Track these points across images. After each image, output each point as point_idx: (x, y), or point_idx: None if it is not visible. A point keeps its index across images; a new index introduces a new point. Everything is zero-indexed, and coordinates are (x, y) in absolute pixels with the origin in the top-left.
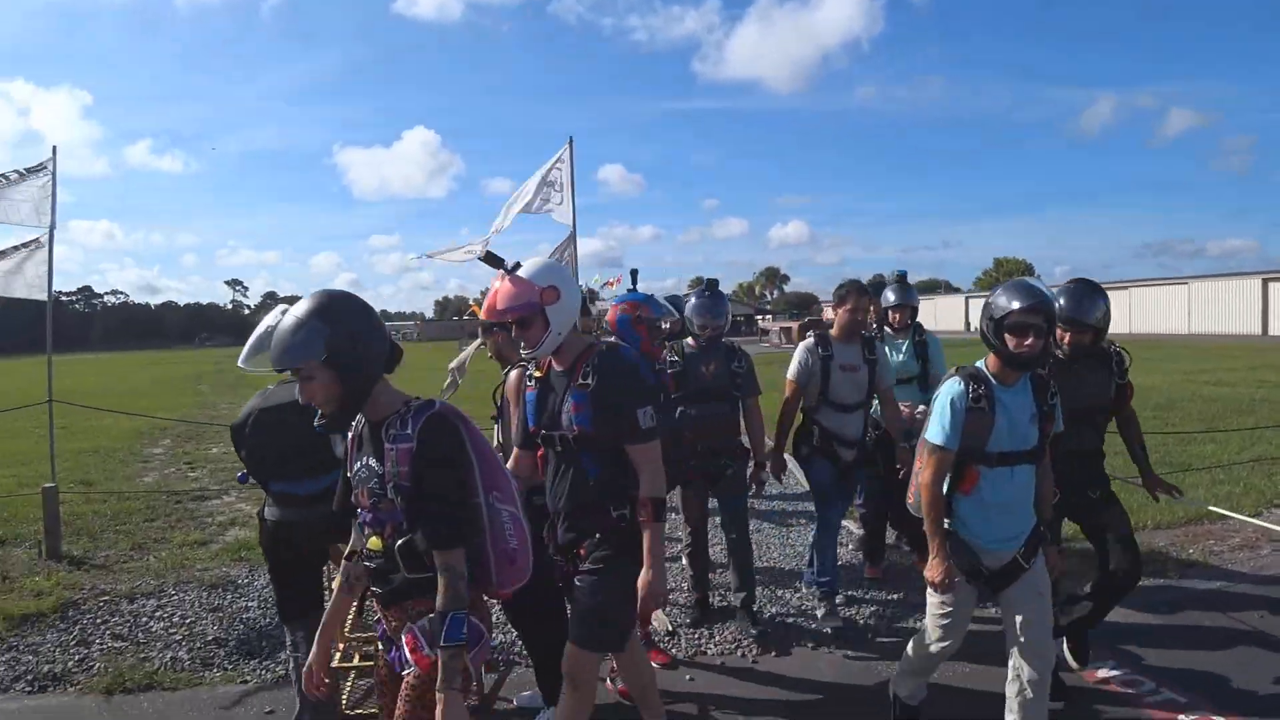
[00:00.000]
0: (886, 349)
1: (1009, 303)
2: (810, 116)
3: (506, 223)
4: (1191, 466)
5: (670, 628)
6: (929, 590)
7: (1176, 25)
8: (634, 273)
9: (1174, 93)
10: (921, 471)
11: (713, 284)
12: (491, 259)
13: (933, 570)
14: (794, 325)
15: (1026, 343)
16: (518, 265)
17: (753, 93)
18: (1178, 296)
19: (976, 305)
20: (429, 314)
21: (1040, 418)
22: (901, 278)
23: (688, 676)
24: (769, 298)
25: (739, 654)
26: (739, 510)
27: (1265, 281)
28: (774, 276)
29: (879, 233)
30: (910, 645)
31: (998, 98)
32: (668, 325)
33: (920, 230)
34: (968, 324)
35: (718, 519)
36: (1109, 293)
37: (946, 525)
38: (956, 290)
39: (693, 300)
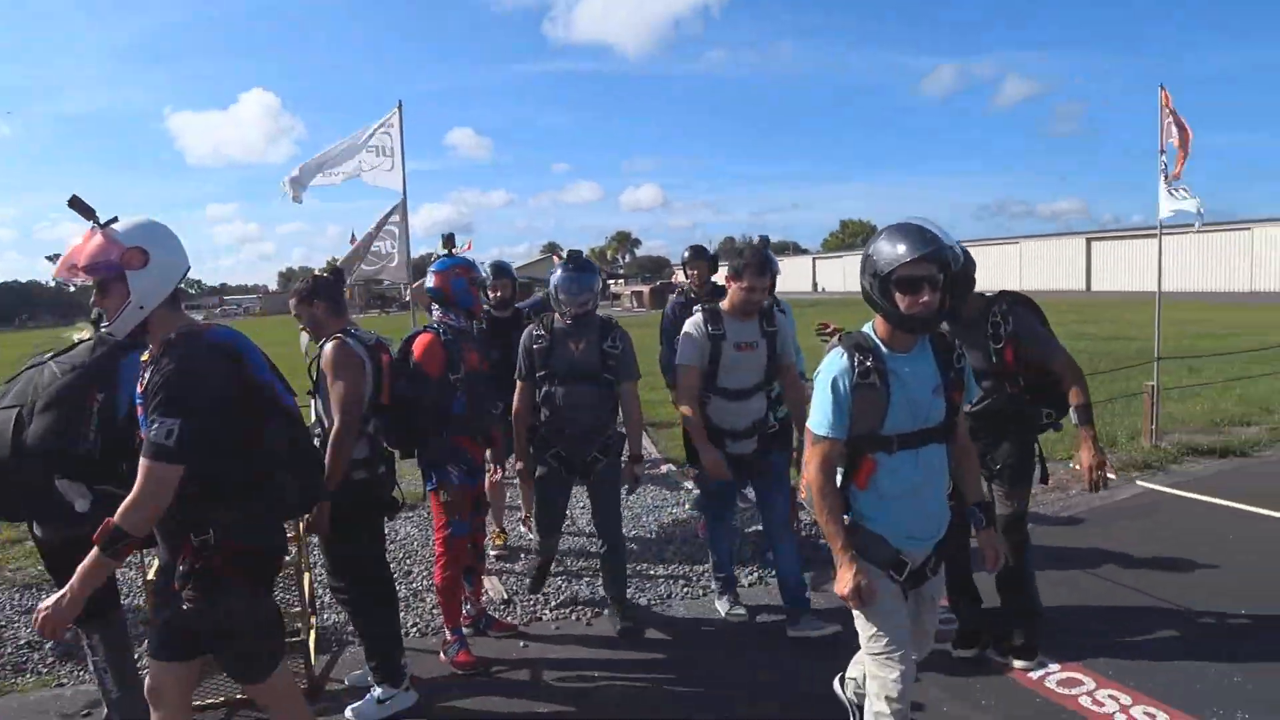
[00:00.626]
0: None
1: (895, 252)
2: (661, 80)
3: (330, 180)
4: None
5: (505, 595)
6: (854, 614)
7: None
8: (450, 237)
9: (1012, 61)
10: (807, 466)
11: (576, 256)
12: (79, 206)
13: (842, 583)
14: (645, 289)
15: (921, 300)
16: (113, 220)
17: (603, 56)
18: (1010, 255)
19: (825, 266)
20: (273, 286)
21: (946, 386)
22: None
23: (521, 644)
24: (621, 262)
25: (574, 618)
26: (611, 510)
27: (1089, 241)
28: (626, 240)
29: (731, 196)
30: (868, 699)
31: (845, 64)
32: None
33: (771, 193)
34: (815, 284)
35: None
36: None
37: (847, 521)
38: (805, 251)
39: (558, 274)
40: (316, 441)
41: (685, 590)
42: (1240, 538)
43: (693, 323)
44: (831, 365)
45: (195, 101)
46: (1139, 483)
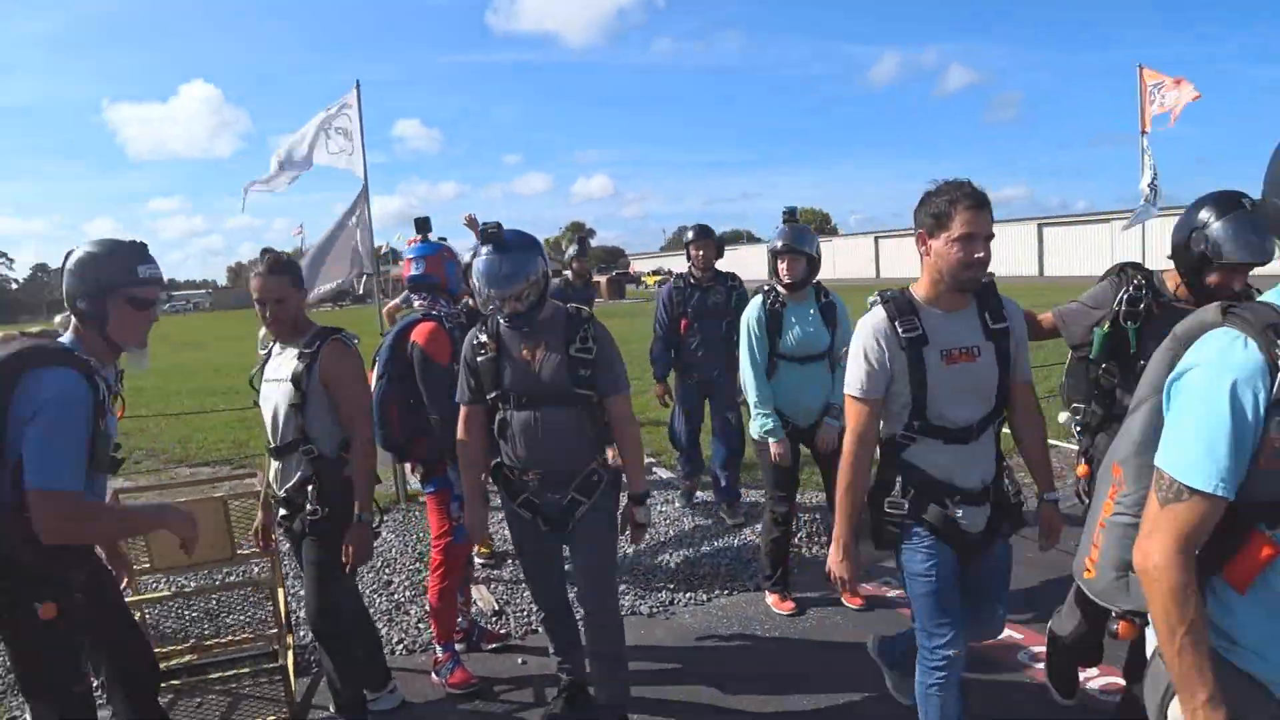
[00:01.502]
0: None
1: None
2: (608, 70)
3: (282, 181)
4: None
5: (496, 605)
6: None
7: None
8: (424, 220)
9: (953, 51)
10: (1140, 544)
11: (494, 231)
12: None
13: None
14: (603, 279)
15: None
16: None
17: (549, 46)
18: None
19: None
20: (222, 281)
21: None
22: (793, 214)
23: (520, 659)
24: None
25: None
26: (595, 570)
27: (1040, 226)
28: (580, 229)
29: (681, 185)
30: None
31: (793, 52)
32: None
33: (721, 183)
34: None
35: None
36: (903, 240)
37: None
38: (759, 240)
39: (476, 258)
40: (306, 463)
41: (689, 598)
42: None
43: (873, 326)
44: (1230, 361)
45: (133, 93)
46: None
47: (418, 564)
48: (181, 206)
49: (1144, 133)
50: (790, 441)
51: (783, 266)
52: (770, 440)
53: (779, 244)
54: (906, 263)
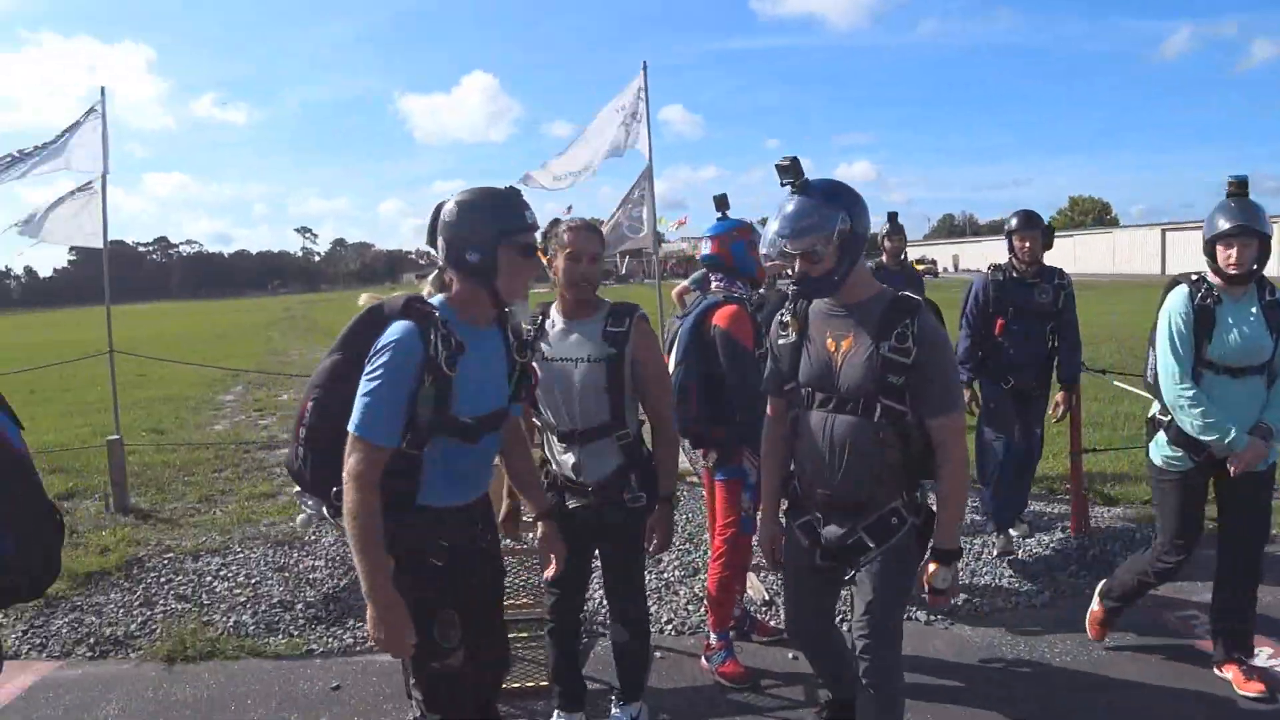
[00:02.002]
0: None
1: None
2: (873, 52)
3: (589, 168)
4: None
5: (767, 595)
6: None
7: None
8: (722, 198)
9: (1256, 22)
10: None
11: (789, 166)
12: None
13: None
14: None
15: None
16: None
17: (813, 29)
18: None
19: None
20: None
21: None
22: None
23: (791, 655)
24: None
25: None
26: (876, 609)
27: None
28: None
29: (946, 172)
30: None
31: (1069, 29)
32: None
33: (990, 169)
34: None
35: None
36: (1193, 233)
37: None
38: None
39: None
40: (619, 449)
41: (971, 605)
42: None
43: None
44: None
45: (422, 85)
46: None
47: (687, 544)
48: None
49: None
50: (1199, 475)
51: (1225, 252)
52: (1231, 450)
53: (1224, 224)
54: (1194, 258)
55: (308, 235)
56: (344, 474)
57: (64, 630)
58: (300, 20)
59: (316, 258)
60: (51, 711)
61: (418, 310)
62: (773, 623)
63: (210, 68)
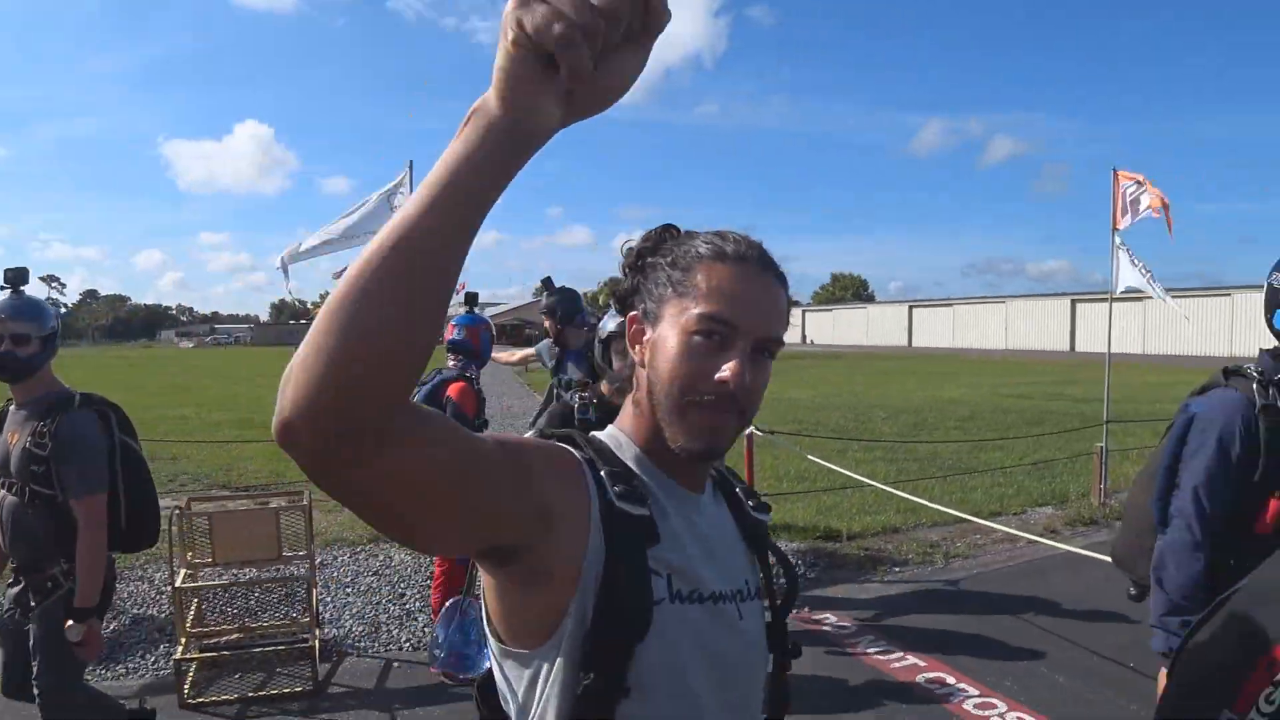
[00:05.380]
0: None
1: None
2: (652, 129)
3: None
4: (975, 470)
5: None
6: None
7: (1004, 59)
8: (473, 295)
9: (999, 122)
10: None
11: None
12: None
13: None
14: None
15: None
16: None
17: None
18: (996, 314)
19: (814, 318)
20: (264, 317)
21: None
22: None
23: None
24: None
25: None
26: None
27: (1074, 302)
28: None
29: None
30: None
31: (838, 118)
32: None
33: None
34: (804, 336)
35: None
36: (935, 310)
37: None
38: (796, 303)
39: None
40: None
41: None
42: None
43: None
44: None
45: (190, 130)
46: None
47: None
48: (229, 242)
49: (1115, 230)
50: None
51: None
52: None
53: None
54: (934, 333)
55: (54, 284)
56: None
57: None
58: (62, 54)
59: (64, 309)
60: None
61: None
62: None
63: None
